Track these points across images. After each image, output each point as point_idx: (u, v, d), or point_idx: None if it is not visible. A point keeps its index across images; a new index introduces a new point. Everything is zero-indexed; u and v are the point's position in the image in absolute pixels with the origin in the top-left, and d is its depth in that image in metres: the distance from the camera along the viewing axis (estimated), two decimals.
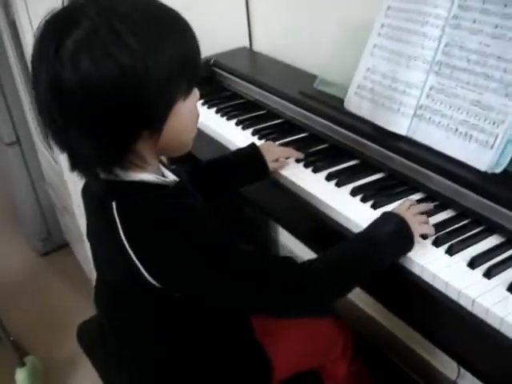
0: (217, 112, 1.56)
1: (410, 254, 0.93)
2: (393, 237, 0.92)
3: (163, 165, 0.95)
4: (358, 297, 1.82)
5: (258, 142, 1.37)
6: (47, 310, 2.16)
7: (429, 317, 0.93)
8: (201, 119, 1.50)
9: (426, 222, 0.97)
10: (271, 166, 1.19)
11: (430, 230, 0.96)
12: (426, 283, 0.90)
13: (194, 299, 0.89)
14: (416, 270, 0.92)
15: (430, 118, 1.12)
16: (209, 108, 1.59)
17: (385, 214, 0.96)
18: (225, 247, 0.84)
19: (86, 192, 0.93)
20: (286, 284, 0.84)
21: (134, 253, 0.81)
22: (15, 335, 1.95)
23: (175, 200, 0.83)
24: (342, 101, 1.32)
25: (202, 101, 1.63)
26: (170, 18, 0.80)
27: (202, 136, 1.50)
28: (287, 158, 1.24)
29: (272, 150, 1.22)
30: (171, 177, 0.92)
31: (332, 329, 1.19)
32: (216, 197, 1.18)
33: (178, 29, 0.80)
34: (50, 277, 2.31)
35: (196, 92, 0.86)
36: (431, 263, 0.91)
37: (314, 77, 1.45)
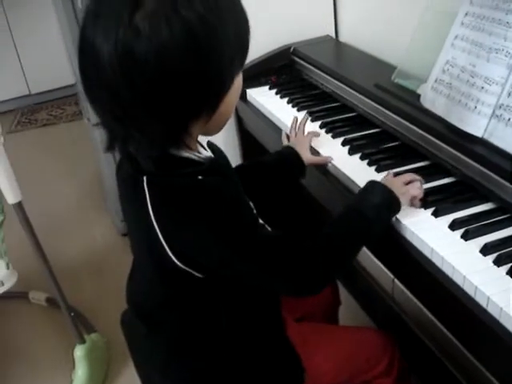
0: (288, 102, 1.49)
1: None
2: (382, 207, 0.94)
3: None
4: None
5: (326, 136, 1.31)
6: (120, 288, 2.20)
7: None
8: (271, 109, 1.48)
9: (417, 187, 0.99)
10: (308, 161, 1.18)
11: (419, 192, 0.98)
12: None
13: (216, 284, 0.89)
14: (482, 302, 0.81)
15: (509, 120, 0.98)
16: (281, 98, 1.53)
17: (372, 184, 0.97)
18: (247, 229, 0.83)
19: (121, 171, 0.90)
20: (302, 268, 0.86)
21: (159, 226, 0.81)
22: (87, 311, 2.00)
23: (207, 177, 0.81)
24: (418, 96, 1.21)
25: (275, 89, 1.57)
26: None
27: (271, 127, 1.45)
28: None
29: (301, 140, 1.23)
30: (206, 153, 0.89)
31: (377, 341, 1.07)
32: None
33: (237, 9, 0.80)
34: (126, 257, 2.35)
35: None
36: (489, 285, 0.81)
37: (395, 69, 1.35)
